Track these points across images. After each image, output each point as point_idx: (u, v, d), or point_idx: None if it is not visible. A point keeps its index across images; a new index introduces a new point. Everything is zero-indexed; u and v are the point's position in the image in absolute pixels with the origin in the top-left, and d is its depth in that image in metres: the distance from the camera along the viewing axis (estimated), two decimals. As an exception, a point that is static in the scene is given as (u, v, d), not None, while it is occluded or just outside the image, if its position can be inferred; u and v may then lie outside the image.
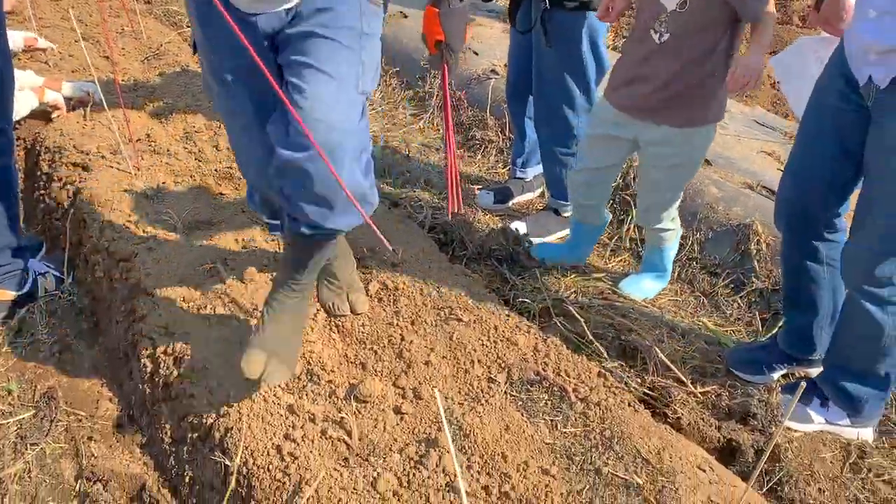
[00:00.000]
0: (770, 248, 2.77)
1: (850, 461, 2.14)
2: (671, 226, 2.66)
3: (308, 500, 1.68)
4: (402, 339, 2.20)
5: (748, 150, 3.34)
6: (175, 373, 2.06)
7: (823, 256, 2.17)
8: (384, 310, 2.32)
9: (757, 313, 2.68)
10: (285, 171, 1.61)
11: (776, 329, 2.52)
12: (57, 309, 2.59)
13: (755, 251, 2.77)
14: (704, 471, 1.79)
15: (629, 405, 2.00)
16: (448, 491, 1.72)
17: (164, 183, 2.92)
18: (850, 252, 1.98)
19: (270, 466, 1.77)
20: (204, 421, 1.93)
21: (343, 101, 1.61)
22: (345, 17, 1.63)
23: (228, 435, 1.87)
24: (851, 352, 2.11)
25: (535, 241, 3.03)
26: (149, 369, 2.15)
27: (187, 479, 1.94)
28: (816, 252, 2.17)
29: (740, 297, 2.74)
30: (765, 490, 1.96)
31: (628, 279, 2.79)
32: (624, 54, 2.45)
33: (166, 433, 2.04)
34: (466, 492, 1.73)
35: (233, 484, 1.79)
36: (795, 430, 2.17)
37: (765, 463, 2.02)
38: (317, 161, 1.54)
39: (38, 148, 3.25)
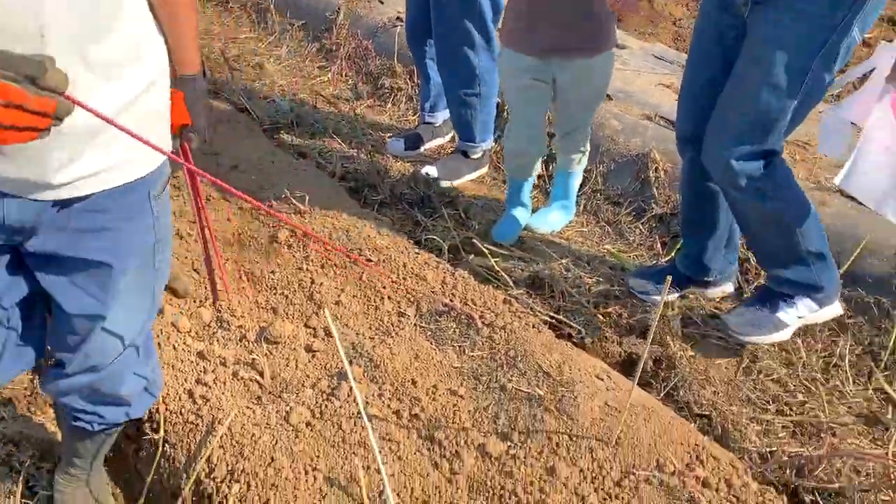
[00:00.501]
0: (668, 174, 2.88)
1: (744, 365, 2.28)
2: (585, 147, 2.76)
3: (221, 437, 1.71)
4: (313, 282, 2.23)
5: (647, 84, 3.44)
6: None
7: None
8: (293, 256, 2.34)
9: (657, 237, 2.81)
10: (68, 392, 1.40)
11: (674, 252, 2.65)
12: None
13: (654, 179, 2.89)
14: (602, 379, 1.90)
15: (533, 327, 2.09)
16: (359, 417, 1.78)
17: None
18: (713, 159, 2.05)
19: (183, 410, 1.80)
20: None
21: (129, 363, 1.40)
22: (133, 236, 1.25)
23: (140, 385, 1.87)
24: (773, 246, 2.17)
25: (447, 184, 3.08)
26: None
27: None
28: None
29: (641, 224, 2.86)
30: (662, 395, 2.08)
31: (536, 215, 2.86)
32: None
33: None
34: (378, 416, 1.79)
35: (147, 431, 1.80)
36: (730, 339, 2.27)
37: (663, 371, 2.15)
38: (105, 379, 1.38)
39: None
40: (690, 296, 2.52)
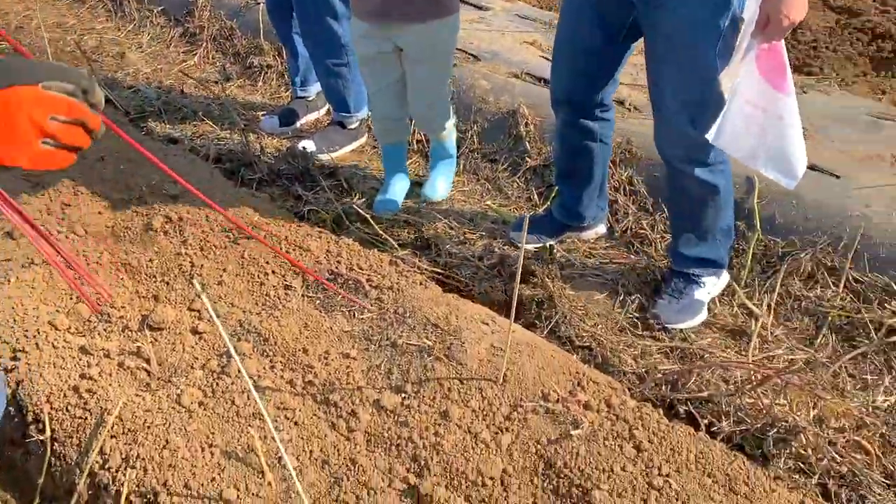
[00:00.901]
0: (537, 128, 3.00)
1: (619, 299, 2.43)
2: (453, 117, 2.80)
3: (112, 427, 1.68)
4: (192, 265, 2.20)
5: (513, 43, 3.54)
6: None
7: (597, 135, 2.38)
8: (171, 242, 2.30)
9: (534, 189, 2.93)
10: None
11: (550, 201, 2.77)
12: None
13: (525, 133, 2.99)
14: (487, 324, 1.98)
15: (420, 284, 2.15)
16: (252, 388, 1.79)
17: None
18: (662, 136, 2.14)
19: (69, 406, 1.75)
20: (-10, 381, 1.86)
21: None
22: None
23: (20, 388, 1.81)
24: (696, 220, 2.26)
25: (325, 156, 3.08)
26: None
27: (-14, 444, 1.87)
28: (591, 132, 2.37)
29: (518, 178, 2.97)
30: (546, 332, 2.19)
31: (425, 185, 2.89)
32: None
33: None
34: (272, 388, 1.81)
35: (33, 433, 1.75)
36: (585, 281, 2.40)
37: (545, 311, 2.25)
38: None
39: None
40: (567, 240, 2.64)
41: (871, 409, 1.97)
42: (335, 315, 2.04)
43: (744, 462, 1.65)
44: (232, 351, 1.41)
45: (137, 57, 4.05)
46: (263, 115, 3.40)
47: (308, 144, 3.12)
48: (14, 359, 1.86)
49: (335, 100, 3.16)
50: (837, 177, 2.56)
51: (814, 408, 1.92)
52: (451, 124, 2.83)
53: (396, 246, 2.50)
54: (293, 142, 3.21)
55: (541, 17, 3.90)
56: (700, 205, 2.23)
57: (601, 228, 2.70)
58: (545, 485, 1.61)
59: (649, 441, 1.67)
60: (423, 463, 1.64)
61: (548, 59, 3.36)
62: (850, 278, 2.35)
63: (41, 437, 1.74)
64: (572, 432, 1.67)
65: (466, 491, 1.59)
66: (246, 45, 3.92)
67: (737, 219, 2.50)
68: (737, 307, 2.40)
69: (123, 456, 1.64)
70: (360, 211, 2.61)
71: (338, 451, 1.67)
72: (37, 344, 1.89)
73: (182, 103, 3.48)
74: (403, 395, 1.79)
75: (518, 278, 1.61)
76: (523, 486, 1.60)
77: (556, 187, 2.66)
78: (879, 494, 1.72)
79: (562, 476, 1.61)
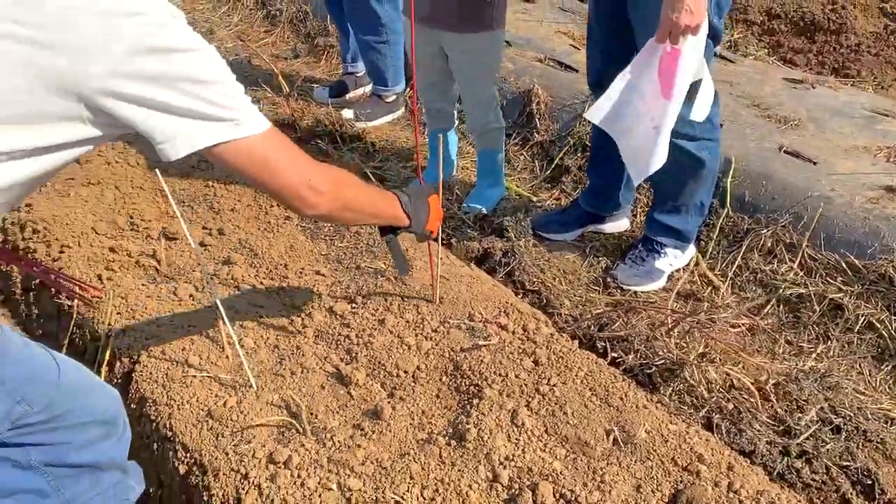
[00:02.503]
0: (547, 107, 3.25)
1: (588, 260, 2.65)
2: (499, 123, 2.86)
3: (118, 305, 2.11)
4: (215, 195, 2.62)
5: (547, 32, 3.79)
6: (19, 234, 2.45)
7: None
8: (202, 175, 2.73)
9: (537, 162, 3.18)
10: None
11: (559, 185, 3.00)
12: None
13: (536, 111, 3.25)
14: (440, 258, 2.28)
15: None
16: (234, 288, 2.18)
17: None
18: None
19: (87, 295, 2.19)
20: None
21: None
22: None
23: (61, 273, 2.27)
24: (675, 190, 2.40)
25: (362, 125, 3.45)
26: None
27: (34, 315, 2.36)
28: None
29: (525, 151, 3.23)
30: (502, 276, 2.45)
31: (470, 196, 2.95)
32: None
33: (15, 284, 2.44)
34: (252, 290, 2.18)
35: (73, 316, 2.20)
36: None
37: (507, 259, 2.51)
38: None
39: None
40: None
41: (795, 371, 2.12)
42: (319, 242, 2.40)
43: (627, 384, 1.87)
44: (189, 238, 1.78)
45: (225, 34, 4.59)
46: (317, 86, 3.82)
47: (347, 113, 3.51)
48: (60, 251, 2.33)
49: (375, 74, 3.53)
50: (815, 163, 2.67)
51: (722, 358, 2.10)
52: (500, 133, 2.86)
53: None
54: (336, 110, 3.60)
55: (581, 9, 4.12)
56: (681, 176, 2.36)
57: (624, 223, 2.79)
58: (449, 381, 1.89)
59: (548, 359, 1.92)
60: (353, 355, 1.96)
61: (575, 48, 3.61)
62: (807, 255, 2.47)
63: (71, 314, 2.19)
64: (480, 343, 1.95)
65: (383, 379, 1.90)
66: (315, 27, 4.37)
67: (712, 197, 2.66)
68: (697, 277, 2.57)
69: (121, 327, 2.06)
70: (365, 170, 2.95)
71: (289, 339, 2.02)
72: (79, 242, 2.36)
73: (248, 72, 3.95)
74: (353, 304, 2.12)
75: (441, 193, 1.90)
76: (431, 381, 1.89)
77: (588, 178, 2.79)
78: (758, 430, 1.89)
79: (464, 376, 1.89)
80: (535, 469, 1.64)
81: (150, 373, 1.91)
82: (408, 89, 3.64)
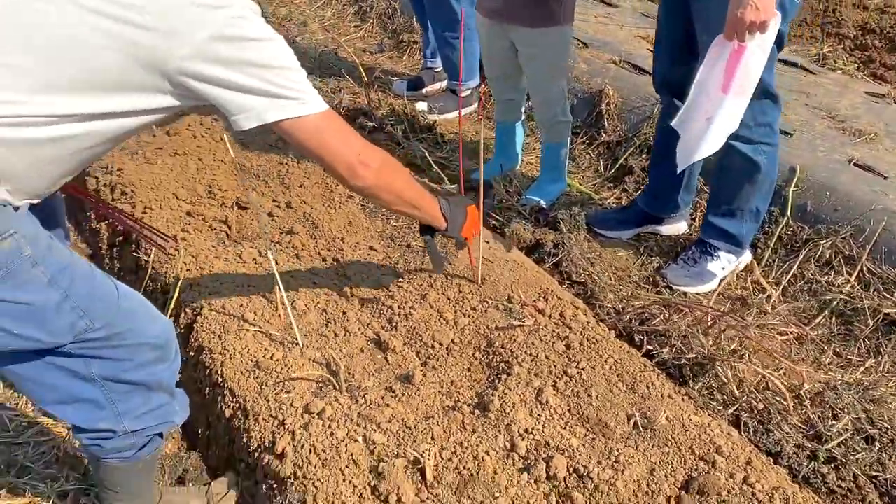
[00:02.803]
0: (617, 107, 3.28)
1: (641, 259, 2.67)
2: (565, 117, 2.92)
3: (188, 263, 2.30)
4: (288, 172, 2.80)
5: (626, 35, 3.81)
6: (109, 194, 2.69)
7: None
8: (279, 153, 2.91)
9: (602, 161, 3.21)
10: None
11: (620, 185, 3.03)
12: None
13: (605, 111, 3.28)
14: (488, 242, 2.36)
15: (453, 210, 2.57)
16: (294, 256, 2.34)
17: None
18: None
19: (167, 247, 2.40)
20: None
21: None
22: None
23: (143, 230, 2.49)
24: (730, 192, 2.42)
25: (434, 117, 3.58)
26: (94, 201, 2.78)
27: (116, 269, 2.58)
28: None
29: (591, 150, 3.27)
30: (550, 266, 2.51)
31: (531, 189, 3.02)
32: None
33: (102, 240, 2.68)
34: (309, 258, 2.33)
35: (147, 269, 2.41)
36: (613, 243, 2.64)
37: (557, 250, 2.57)
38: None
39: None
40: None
41: (837, 381, 2.09)
42: (375, 220, 2.53)
43: (655, 374, 1.91)
44: (262, 211, 1.93)
45: (317, 27, 4.82)
46: (396, 79, 3.97)
47: (421, 105, 3.64)
48: (144, 212, 2.55)
49: (449, 69, 3.64)
50: (885, 178, 2.60)
51: (754, 356, 2.09)
52: (566, 127, 2.91)
53: (447, 181, 2.93)
54: (411, 102, 3.74)
55: (666, 16, 4.11)
56: (736, 178, 2.38)
57: (682, 226, 2.79)
58: (481, 357, 1.97)
59: (580, 344, 1.98)
60: (394, 324, 2.07)
61: (652, 52, 3.61)
62: (865, 269, 2.42)
63: (148, 269, 2.40)
64: (515, 323, 2.02)
65: (418, 348, 2.00)
66: (402, 24, 4.53)
67: (772, 205, 2.63)
68: (750, 283, 2.56)
69: (189, 283, 2.24)
70: (427, 156, 3.07)
71: (336, 305, 2.15)
72: (160, 205, 2.57)
73: (333, 63, 4.15)
74: (399, 279, 2.23)
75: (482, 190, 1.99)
76: (463, 355, 1.98)
77: (648, 178, 2.82)
78: (787, 432, 1.88)
79: (496, 353, 1.97)
80: (553, 443, 1.70)
81: (209, 324, 2.08)
82: (482, 85, 3.74)
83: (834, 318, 2.38)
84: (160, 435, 1.62)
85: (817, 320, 2.37)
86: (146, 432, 1.56)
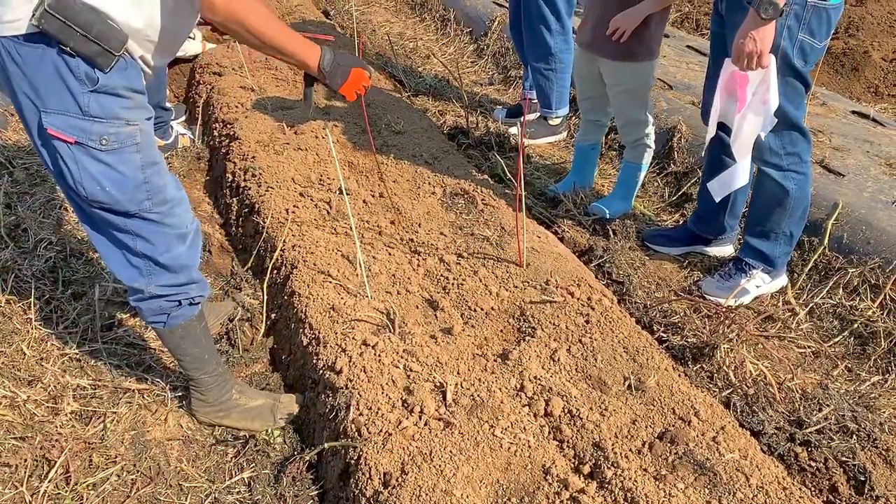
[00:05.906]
0: (687, 142, 3.58)
1: (685, 272, 2.97)
2: (647, 141, 3.25)
3: (294, 230, 2.84)
4: (385, 170, 3.31)
5: (711, 81, 4.10)
6: (242, 175, 3.30)
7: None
8: (379, 152, 3.44)
9: (667, 189, 3.53)
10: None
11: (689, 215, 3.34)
12: (187, 156, 3.94)
13: (676, 145, 3.60)
14: (539, 237, 2.76)
15: (512, 209, 2.98)
16: (378, 233, 2.83)
17: (265, 84, 4.22)
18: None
19: (281, 217, 2.95)
20: (252, 200, 3.15)
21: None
22: None
23: (262, 205, 3.07)
24: (763, 215, 2.69)
25: (527, 141, 4.01)
26: (230, 181, 3.41)
27: (240, 234, 3.18)
28: (729, 146, 2.83)
29: (660, 178, 3.59)
30: (594, 266, 2.86)
31: (600, 200, 3.36)
32: None
33: (232, 211, 3.29)
34: (390, 237, 2.81)
35: (262, 234, 2.98)
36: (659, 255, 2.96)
37: (603, 253, 2.92)
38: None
39: (193, 63, 4.69)
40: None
41: (835, 387, 2.32)
42: (450, 213, 2.99)
43: (656, 350, 2.22)
44: (346, 198, 2.42)
45: (439, 60, 5.40)
46: (498, 107, 4.45)
47: (513, 130, 4.09)
48: (267, 190, 3.13)
49: (542, 98, 4.08)
50: (923, 218, 2.78)
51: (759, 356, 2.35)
52: (647, 153, 3.20)
53: (521, 189, 3.33)
54: (505, 126, 4.20)
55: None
56: (769, 203, 2.64)
57: (728, 248, 3.06)
58: (513, 322, 2.37)
59: (597, 321, 2.33)
60: (447, 291, 2.51)
61: (732, 97, 3.90)
62: (888, 296, 2.61)
63: (265, 233, 2.96)
64: (546, 299, 2.40)
65: (462, 310, 2.42)
66: (512, 61, 5.02)
67: (812, 235, 2.87)
68: (782, 303, 2.80)
69: (291, 245, 2.77)
70: (506, 169, 3.50)
71: (404, 272, 2.61)
72: (279, 186, 3.15)
73: (447, 91, 4.69)
74: (458, 257, 2.67)
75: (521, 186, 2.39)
76: (499, 320, 2.38)
77: (697, 202, 3.09)
78: (770, 415, 2.14)
79: (526, 320, 2.35)
80: (555, 390, 2.07)
81: (302, 276, 2.59)
82: (571, 115, 4.14)
83: (853, 339, 2.58)
84: (180, 305, 2.01)
85: (836, 339, 2.58)
86: (166, 299, 1.97)
